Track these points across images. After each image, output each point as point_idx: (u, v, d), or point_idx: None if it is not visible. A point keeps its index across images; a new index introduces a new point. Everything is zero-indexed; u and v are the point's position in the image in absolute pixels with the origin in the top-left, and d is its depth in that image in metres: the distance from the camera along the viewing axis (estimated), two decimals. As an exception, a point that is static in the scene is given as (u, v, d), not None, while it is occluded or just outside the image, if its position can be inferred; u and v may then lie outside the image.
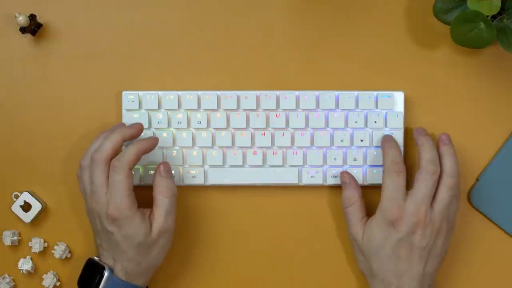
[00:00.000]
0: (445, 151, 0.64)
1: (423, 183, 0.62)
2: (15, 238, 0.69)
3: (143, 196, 0.65)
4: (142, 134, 0.65)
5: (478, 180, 0.69)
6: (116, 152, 0.62)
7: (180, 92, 0.68)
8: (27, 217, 0.69)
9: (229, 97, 0.68)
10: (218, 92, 0.68)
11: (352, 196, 0.66)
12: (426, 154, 0.63)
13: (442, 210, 0.62)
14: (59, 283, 0.70)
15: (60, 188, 0.70)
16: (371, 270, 0.64)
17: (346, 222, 0.66)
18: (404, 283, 0.62)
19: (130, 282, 0.62)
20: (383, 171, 0.64)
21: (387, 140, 0.66)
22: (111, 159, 0.62)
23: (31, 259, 0.69)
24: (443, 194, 0.62)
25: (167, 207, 0.63)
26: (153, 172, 0.68)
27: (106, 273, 0.61)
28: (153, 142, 0.64)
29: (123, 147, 0.65)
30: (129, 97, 0.68)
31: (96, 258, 0.63)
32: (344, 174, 0.68)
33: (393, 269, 0.62)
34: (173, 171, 0.67)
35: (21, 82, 0.70)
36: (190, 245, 0.70)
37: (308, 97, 0.68)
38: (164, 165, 0.65)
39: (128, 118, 0.68)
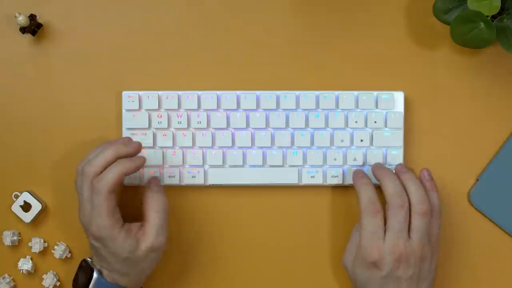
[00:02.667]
0: (407, 180, 0.64)
1: (395, 219, 0.62)
2: (15, 238, 0.69)
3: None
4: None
5: (478, 180, 0.69)
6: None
7: (180, 92, 0.68)
8: (27, 217, 0.69)
9: (229, 97, 0.68)
10: (218, 92, 0.68)
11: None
12: (389, 188, 0.63)
13: (421, 237, 0.62)
14: (59, 283, 0.70)
15: (60, 188, 0.70)
16: None
17: (348, 240, 0.66)
18: None
19: (118, 284, 0.63)
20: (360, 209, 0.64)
21: (359, 177, 0.66)
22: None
23: (31, 259, 0.69)
24: (417, 222, 0.62)
25: (159, 223, 0.62)
26: (153, 171, 0.68)
27: (95, 275, 0.62)
28: (138, 163, 0.62)
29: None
30: (129, 97, 0.68)
31: (89, 259, 0.64)
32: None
33: None
34: (173, 175, 0.67)
35: (21, 82, 0.70)
36: (190, 245, 0.70)
37: (308, 97, 0.68)
38: (154, 180, 0.65)
39: (128, 118, 0.68)
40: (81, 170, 0.62)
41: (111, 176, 0.60)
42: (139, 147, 0.63)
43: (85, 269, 0.64)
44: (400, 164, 0.67)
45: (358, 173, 0.67)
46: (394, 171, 0.66)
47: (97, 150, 0.63)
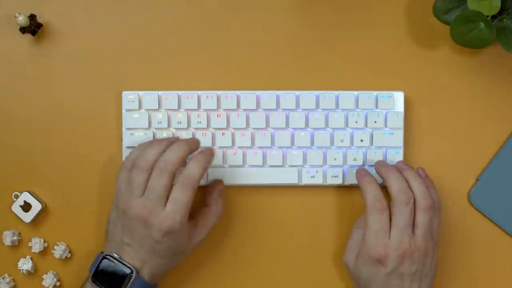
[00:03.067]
0: (409, 176, 0.64)
1: (400, 216, 0.62)
2: (15, 238, 0.69)
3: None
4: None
5: (478, 180, 0.69)
6: None
7: (180, 92, 0.68)
8: (27, 217, 0.69)
9: (229, 97, 0.68)
10: (218, 92, 0.68)
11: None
12: (394, 185, 0.63)
13: (425, 233, 0.62)
14: (59, 283, 0.70)
15: (60, 188, 0.70)
16: None
17: (348, 239, 0.67)
18: None
19: (153, 282, 0.63)
20: (366, 206, 0.64)
21: (363, 175, 0.66)
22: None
23: (31, 259, 0.69)
24: (421, 218, 0.62)
25: (213, 225, 0.66)
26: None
27: (133, 275, 0.61)
28: (213, 154, 0.65)
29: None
30: (129, 97, 0.68)
31: (116, 255, 0.62)
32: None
33: None
34: None
35: (21, 82, 0.70)
36: (190, 245, 0.70)
37: (308, 97, 0.68)
38: (222, 185, 0.67)
39: (128, 118, 0.68)
40: (146, 166, 0.61)
41: (200, 172, 0.61)
42: (199, 142, 0.65)
43: (116, 268, 0.61)
44: (400, 161, 0.67)
45: (361, 171, 0.67)
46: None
47: (153, 147, 0.62)
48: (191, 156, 0.63)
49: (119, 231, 0.63)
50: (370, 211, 0.63)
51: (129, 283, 0.61)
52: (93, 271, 0.62)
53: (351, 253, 0.65)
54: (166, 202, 0.61)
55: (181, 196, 0.60)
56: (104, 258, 0.62)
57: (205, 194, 0.67)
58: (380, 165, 0.67)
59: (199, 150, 0.64)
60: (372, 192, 0.64)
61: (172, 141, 0.64)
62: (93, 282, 0.62)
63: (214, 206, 0.66)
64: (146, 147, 0.63)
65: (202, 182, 0.68)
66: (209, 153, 0.64)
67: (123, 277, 0.61)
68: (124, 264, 0.61)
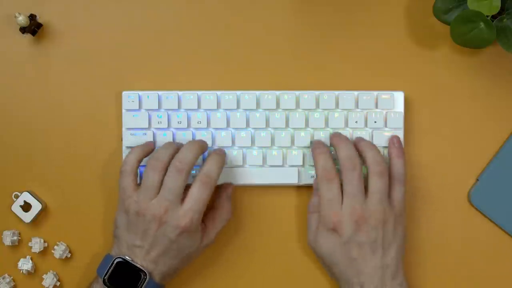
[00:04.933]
0: (363, 145, 0.65)
1: (349, 183, 0.62)
2: (15, 238, 0.69)
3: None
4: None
5: (478, 180, 0.69)
6: None
7: (180, 92, 0.68)
8: (27, 217, 0.69)
9: (229, 97, 0.68)
10: (218, 92, 0.68)
11: (318, 205, 0.65)
12: (341, 153, 0.64)
13: (380, 199, 0.62)
14: (59, 283, 0.70)
15: (60, 188, 0.70)
16: (334, 274, 0.65)
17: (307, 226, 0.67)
18: (366, 280, 0.62)
19: (163, 284, 0.63)
20: (316, 178, 0.65)
21: (316, 146, 0.66)
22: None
23: (31, 259, 0.69)
24: (373, 183, 0.62)
25: (221, 227, 0.66)
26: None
27: (147, 278, 0.61)
28: (226, 156, 0.66)
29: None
30: (129, 97, 0.68)
31: (128, 258, 0.62)
32: (315, 180, 0.67)
33: (351, 269, 0.62)
34: None
35: (21, 82, 0.70)
36: (190, 245, 0.70)
37: (308, 97, 0.68)
38: (231, 188, 0.67)
39: (128, 118, 0.68)
40: (160, 166, 0.61)
41: (218, 171, 0.63)
42: (207, 144, 0.66)
43: (129, 270, 0.61)
44: (359, 137, 0.67)
45: (316, 143, 0.67)
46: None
47: (164, 149, 0.63)
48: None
49: (131, 234, 0.62)
50: (320, 182, 0.63)
51: (142, 286, 0.61)
52: (105, 274, 0.62)
53: (312, 234, 0.65)
54: (181, 201, 0.61)
55: (200, 194, 0.61)
56: (116, 261, 0.62)
57: (214, 197, 0.67)
58: (334, 135, 0.66)
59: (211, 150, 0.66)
60: (321, 163, 0.64)
61: (177, 145, 0.65)
62: (105, 284, 0.62)
63: (223, 209, 0.67)
64: (160, 148, 0.64)
65: None
66: (223, 153, 0.66)
67: (136, 280, 0.61)
68: (137, 267, 0.61)
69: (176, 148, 0.64)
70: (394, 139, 0.67)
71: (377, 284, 0.62)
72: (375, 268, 0.62)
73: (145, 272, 0.61)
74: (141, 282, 0.61)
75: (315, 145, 0.66)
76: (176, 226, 0.61)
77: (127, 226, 0.63)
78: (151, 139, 0.68)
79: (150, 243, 0.61)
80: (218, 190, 0.68)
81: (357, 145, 0.65)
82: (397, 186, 0.64)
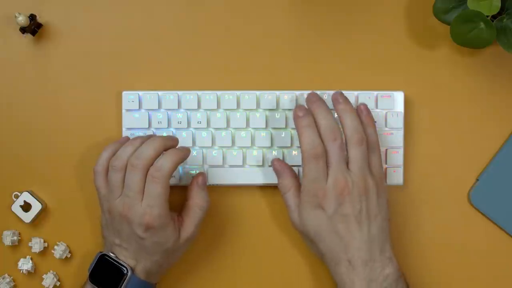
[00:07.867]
0: (341, 111, 0.63)
1: (331, 155, 0.61)
2: (15, 238, 0.69)
3: (178, 196, 0.66)
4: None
5: (478, 180, 0.69)
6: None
7: (180, 92, 0.68)
8: (27, 217, 0.69)
9: (229, 97, 0.68)
10: (218, 92, 0.68)
11: (288, 183, 0.65)
12: (322, 124, 0.62)
13: (360, 168, 0.61)
14: (59, 283, 0.70)
15: (60, 188, 0.70)
16: (320, 252, 0.63)
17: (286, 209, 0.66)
18: (353, 255, 0.61)
19: (149, 281, 0.63)
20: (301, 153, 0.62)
21: (299, 116, 0.63)
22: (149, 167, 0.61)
23: (31, 259, 0.69)
24: (353, 152, 0.61)
25: (199, 218, 0.64)
26: (193, 172, 0.68)
27: (128, 273, 0.61)
28: (187, 153, 0.63)
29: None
30: (129, 97, 0.68)
31: (112, 255, 0.62)
32: (275, 162, 0.66)
33: (337, 245, 0.61)
34: (174, 175, 0.67)
35: (21, 82, 0.70)
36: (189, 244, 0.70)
37: (308, 97, 0.68)
38: (203, 177, 0.65)
39: (128, 118, 0.68)
40: (119, 165, 0.61)
41: (171, 165, 0.61)
42: (177, 140, 0.65)
43: (111, 267, 0.62)
44: (338, 93, 0.64)
45: (298, 111, 0.63)
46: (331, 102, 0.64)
47: (130, 146, 0.62)
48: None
49: (110, 233, 0.63)
50: (305, 160, 0.61)
51: (124, 282, 0.61)
52: (90, 271, 0.63)
53: (294, 212, 0.64)
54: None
55: (152, 189, 0.60)
56: (100, 257, 0.63)
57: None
58: (310, 100, 0.64)
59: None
60: (307, 139, 0.62)
61: (146, 139, 0.63)
62: (91, 282, 0.62)
63: (196, 198, 0.64)
64: (122, 146, 0.63)
65: (175, 181, 0.67)
66: (183, 149, 0.63)
67: (119, 276, 0.61)
68: (120, 263, 0.62)
69: (140, 143, 0.63)
70: (361, 106, 0.65)
71: (365, 259, 0.61)
72: (362, 242, 0.61)
73: (126, 268, 0.61)
74: (124, 278, 0.61)
75: (297, 113, 0.63)
76: (139, 224, 0.60)
77: (106, 225, 0.64)
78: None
79: (126, 241, 0.62)
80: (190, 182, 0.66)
81: (335, 108, 0.63)
82: (373, 154, 0.63)
